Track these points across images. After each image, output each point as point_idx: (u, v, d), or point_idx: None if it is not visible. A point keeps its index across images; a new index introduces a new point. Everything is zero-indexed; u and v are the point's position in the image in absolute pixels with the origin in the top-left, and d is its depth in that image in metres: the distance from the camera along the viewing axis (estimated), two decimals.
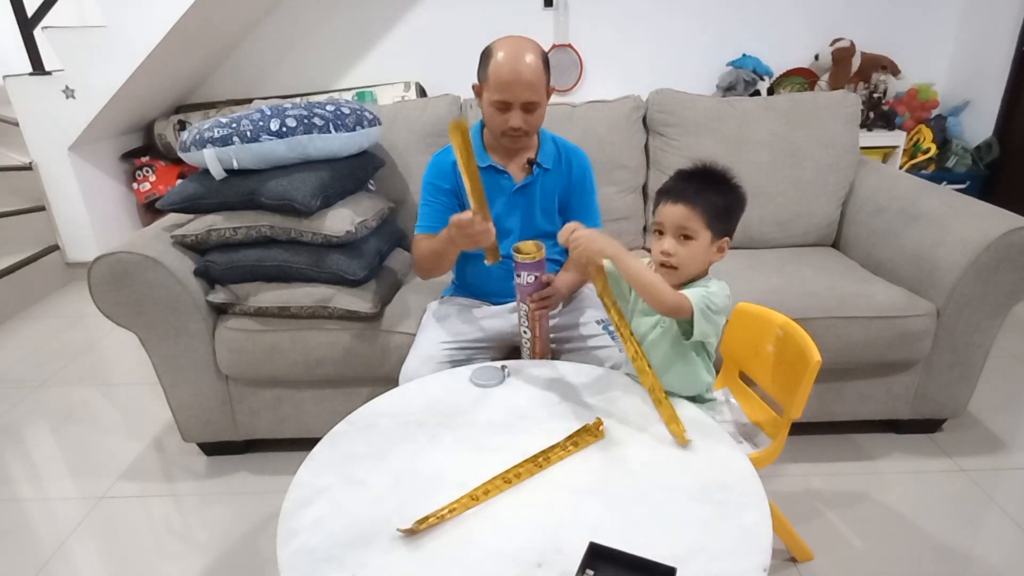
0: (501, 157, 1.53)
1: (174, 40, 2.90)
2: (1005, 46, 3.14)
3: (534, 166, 1.52)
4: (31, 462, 1.92)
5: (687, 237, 1.15)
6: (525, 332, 1.41)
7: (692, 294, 1.12)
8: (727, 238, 1.18)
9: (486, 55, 1.42)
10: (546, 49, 3.46)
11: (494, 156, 1.53)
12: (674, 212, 1.15)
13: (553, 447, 1.06)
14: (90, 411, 2.17)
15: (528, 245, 1.35)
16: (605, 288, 1.18)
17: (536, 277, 1.35)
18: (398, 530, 0.90)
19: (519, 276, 1.35)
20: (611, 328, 1.50)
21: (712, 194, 1.15)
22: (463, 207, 1.56)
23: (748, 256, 1.99)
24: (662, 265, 1.17)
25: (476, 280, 1.59)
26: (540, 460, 1.03)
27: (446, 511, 0.93)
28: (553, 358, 1.49)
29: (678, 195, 1.15)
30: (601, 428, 1.10)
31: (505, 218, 1.54)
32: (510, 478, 0.99)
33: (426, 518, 0.91)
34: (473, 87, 1.49)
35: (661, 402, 1.13)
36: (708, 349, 1.23)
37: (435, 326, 1.55)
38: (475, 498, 0.96)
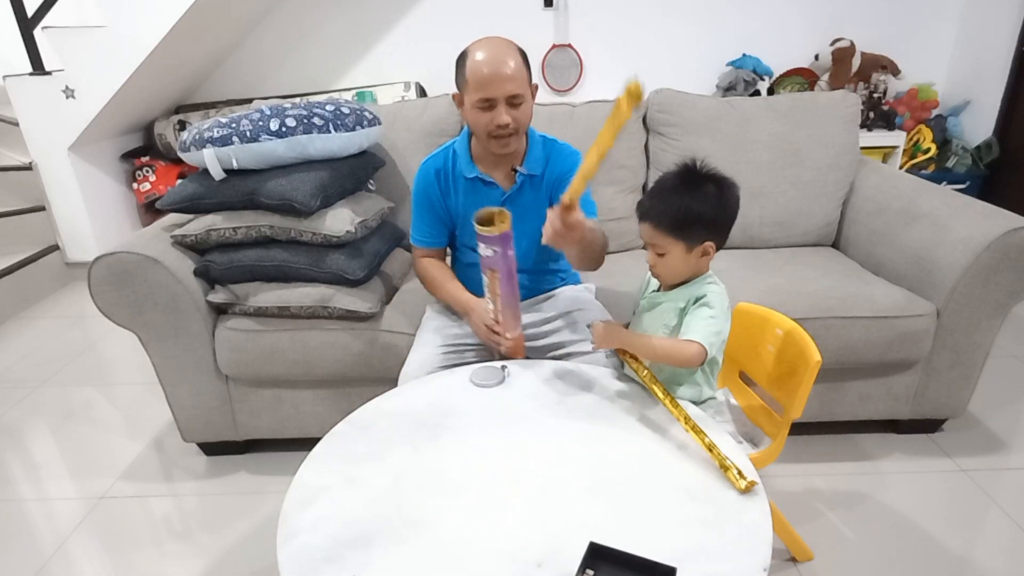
0: (488, 167, 1.48)
1: (174, 40, 2.90)
2: (1005, 46, 3.14)
3: (517, 173, 1.46)
4: (31, 462, 1.92)
5: (660, 253, 1.19)
6: (489, 304, 1.37)
7: (700, 332, 1.14)
8: (709, 243, 1.17)
9: (461, 59, 1.37)
10: (546, 49, 3.51)
11: (481, 166, 1.48)
12: (644, 231, 1.20)
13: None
14: (90, 411, 2.17)
15: (489, 214, 1.27)
16: (639, 364, 1.21)
17: (496, 251, 1.26)
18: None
19: (479, 247, 1.29)
20: None
21: (674, 207, 1.15)
22: (452, 217, 1.53)
23: (748, 256, 1.99)
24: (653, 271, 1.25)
25: (474, 286, 1.58)
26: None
27: None
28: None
29: (644, 213, 1.19)
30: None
31: None
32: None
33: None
34: (453, 96, 1.44)
35: (714, 455, 1.05)
36: (714, 357, 1.23)
37: (434, 328, 1.54)
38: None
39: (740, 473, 0.98)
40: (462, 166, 1.48)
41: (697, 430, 1.06)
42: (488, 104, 1.34)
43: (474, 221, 1.26)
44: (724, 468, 0.99)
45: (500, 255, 1.27)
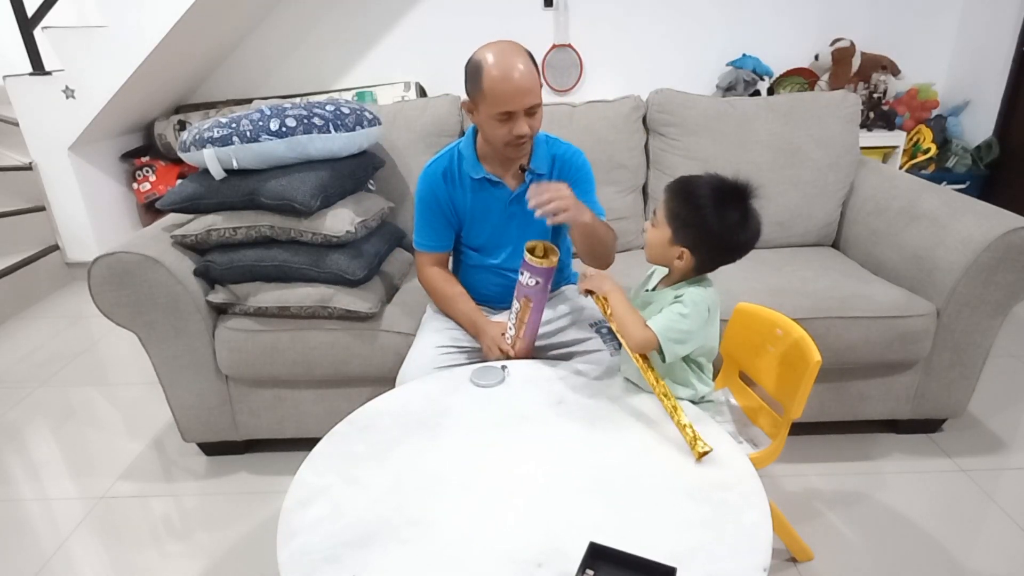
0: (495, 166, 1.48)
1: (174, 40, 2.90)
2: (1005, 46, 3.14)
3: (526, 172, 1.47)
4: (31, 462, 1.92)
5: (654, 224, 1.21)
6: (510, 330, 1.40)
7: (658, 324, 1.15)
8: (687, 251, 1.17)
9: (475, 70, 1.34)
10: (546, 49, 3.52)
11: (488, 166, 1.48)
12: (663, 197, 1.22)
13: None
14: (90, 411, 2.17)
15: (540, 246, 1.33)
16: (608, 316, 1.23)
17: (538, 282, 1.31)
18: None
19: (522, 274, 1.33)
20: (603, 330, 1.49)
21: (690, 204, 1.15)
22: (460, 218, 1.54)
23: (748, 256, 1.97)
24: None
25: (476, 288, 1.58)
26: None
27: None
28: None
29: (670, 186, 1.20)
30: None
31: (503, 229, 1.51)
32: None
33: None
34: (463, 104, 1.43)
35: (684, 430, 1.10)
36: (699, 361, 1.24)
37: (433, 329, 1.54)
38: None
39: (697, 439, 1.03)
40: (468, 167, 1.48)
41: (668, 395, 1.12)
42: (508, 116, 1.34)
43: (526, 249, 1.31)
44: (684, 433, 1.05)
45: (540, 287, 1.32)
